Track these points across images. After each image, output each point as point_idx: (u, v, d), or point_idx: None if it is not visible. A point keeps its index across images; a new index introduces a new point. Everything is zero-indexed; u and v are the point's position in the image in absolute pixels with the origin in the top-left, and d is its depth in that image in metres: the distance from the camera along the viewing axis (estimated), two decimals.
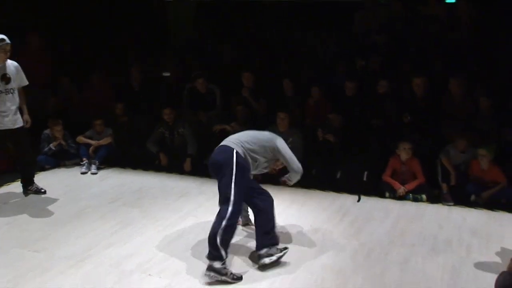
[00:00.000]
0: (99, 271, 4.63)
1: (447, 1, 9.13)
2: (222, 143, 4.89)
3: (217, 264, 4.37)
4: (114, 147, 8.20)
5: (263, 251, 4.66)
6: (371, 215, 6.11)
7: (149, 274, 4.57)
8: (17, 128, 6.40)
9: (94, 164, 7.84)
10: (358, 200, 6.60)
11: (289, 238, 5.36)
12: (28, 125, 6.54)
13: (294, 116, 7.80)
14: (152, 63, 9.83)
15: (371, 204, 6.49)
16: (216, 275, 4.35)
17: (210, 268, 4.38)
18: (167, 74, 9.50)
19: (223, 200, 4.55)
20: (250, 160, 4.77)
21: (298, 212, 6.19)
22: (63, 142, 7.97)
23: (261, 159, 4.86)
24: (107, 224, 5.73)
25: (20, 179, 6.84)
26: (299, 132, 7.44)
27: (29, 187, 6.77)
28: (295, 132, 7.39)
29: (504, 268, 3.59)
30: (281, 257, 4.71)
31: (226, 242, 4.41)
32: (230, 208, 4.44)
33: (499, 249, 5.13)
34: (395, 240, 5.38)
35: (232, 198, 4.48)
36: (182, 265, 4.75)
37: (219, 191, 4.65)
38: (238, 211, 4.53)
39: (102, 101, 8.82)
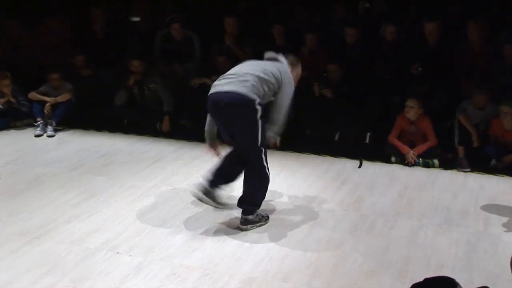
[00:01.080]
0: (59, 249, 4.62)
1: None
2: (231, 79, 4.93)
3: (251, 217, 4.96)
4: (74, 104, 8.13)
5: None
6: (374, 182, 6.16)
7: (118, 252, 4.58)
8: None
9: (51, 124, 7.80)
10: (360, 166, 6.64)
11: (279, 210, 5.40)
12: None
13: None
14: (119, 5, 9.68)
15: (374, 170, 6.54)
16: (252, 226, 4.98)
17: (245, 223, 4.96)
18: (136, 18, 9.36)
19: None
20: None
21: (289, 180, 6.22)
22: (12, 99, 7.91)
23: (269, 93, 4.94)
24: (68, 194, 5.73)
25: None
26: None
27: None
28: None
29: None
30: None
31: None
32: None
33: None
34: (402, 211, 5.44)
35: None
36: (155, 241, 4.77)
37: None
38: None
39: (59, 49, 8.70)
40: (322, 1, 9.32)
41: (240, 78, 4.83)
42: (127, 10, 9.62)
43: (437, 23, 7.36)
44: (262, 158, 4.88)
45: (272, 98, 4.94)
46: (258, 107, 4.72)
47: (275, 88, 4.88)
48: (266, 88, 4.80)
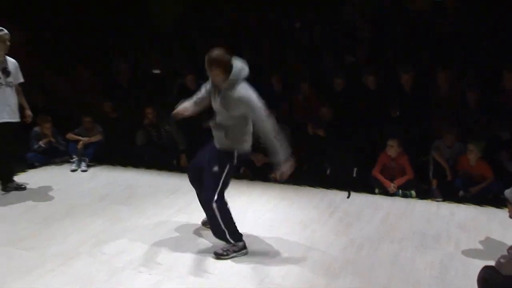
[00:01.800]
0: (90, 269, 4.61)
1: None
2: None
3: (220, 251, 4.81)
4: (104, 144, 8.16)
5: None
6: (361, 211, 6.13)
7: (140, 271, 4.56)
8: (14, 122, 6.49)
9: (84, 161, 7.82)
10: (348, 196, 6.62)
11: (279, 235, 5.37)
12: (30, 120, 6.80)
13: (282, 111, 7.80)
14: (138, 56, 9.78)
15: (361, 200, 6.51)
16: (224, 257, 4.78)
17: (216, 256, 4.79)
18: (157, 71, 9.45)
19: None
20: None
21: (288, 209, 6.20)
22: (52, 139, 7.93)
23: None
24: (97, 221, 5.72)
25: None
26: (286, 128, 7.41)
27: (9, 184, 6.73)
28: (282, 128, 7.35)
29: (492, 263, 3.62)
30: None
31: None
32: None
33: (487, 244, 5.17)
34: (385, 236, 5.40)
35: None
36: (173, 262, 4.75)
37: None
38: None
39: (89, 94, 8.78)
40: (313, 52, 9.39)
41: None
42: (146, 60, 9.69)
43: (411, 74, 7.42)
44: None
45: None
46: None
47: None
48: None
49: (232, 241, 4.84)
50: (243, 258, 4.81)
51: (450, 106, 7.27)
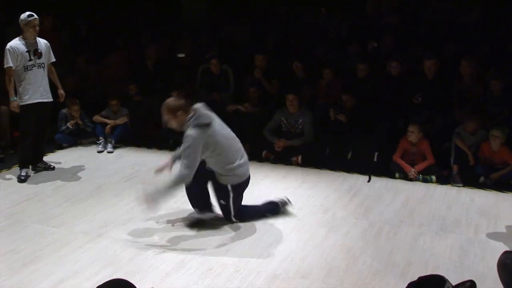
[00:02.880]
0: (115, 247, 4.70)
1: None
2: None
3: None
4: (129, 126, 8.24)
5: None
6: (381, 195, 6.12)
7: (164, 251, 4.64)
8: (46, 102, 6.60)
9: (110, 143, 7.90)
10: (369, 181, 6.61)
11: (299, 218, 5.40)
12: (62, 99, 6.91)
13: (305, 97, 7.79)
14: (166, 44, 9.83)
15: (381, 184, 6.49)
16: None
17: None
18: (181, 55, 9.48)
19: None
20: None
21: (309, 192, 6.20)
22: (80, 122, 8.04)
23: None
24: (123, 201, 5.81)
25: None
26: (310, 113, 7.42)
27: (39, 164, 6.86)
28: (305, 113, 7.38)
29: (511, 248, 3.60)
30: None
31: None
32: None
33: (507, 230, 5.14)
34: (404, 220, 5.40)
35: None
36: (196, 241, 4.82)
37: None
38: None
39: (118, 81, 8.86)
40: (338, 40, 9.36)
41: None
42: (174, 47, 9.75)
43: (434, 61, 7.33)
44: None
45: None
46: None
47: None
48: None
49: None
50: (264, 240, 4.86)
51: (473, 94, 7.17)
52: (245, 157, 5.09)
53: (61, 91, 6.80)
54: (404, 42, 8.59)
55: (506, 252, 3.63)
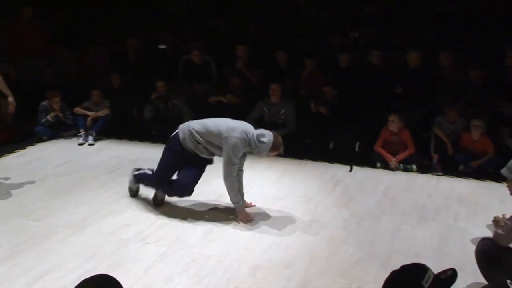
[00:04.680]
0: (97, 240, 4.67)
1: None
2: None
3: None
4: (111, 118, 8.18)
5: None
6: (363, 185, 6.16)
7: (146, 243, 4.62)
8: None
9: (91, 135, 7.84)
10: (350, 170, 6.65)
11: (282, 208, 5.41)
12: (12, 109, 6.06)
13: (287, 88, 7.79)
14: (148, 35, 9.74)
15: (363, 174, 6.54)
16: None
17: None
18: (163, 46, 9.42)
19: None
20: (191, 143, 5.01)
21: (291, 182, 6.23)
22: (60, 114, 7.96)
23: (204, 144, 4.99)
24: (105, 194, 5.77)
25: None
26: (291, 103, 7.44)
27: None
28: (287, 103, 7.40)
29: (490, 235, 3.66)
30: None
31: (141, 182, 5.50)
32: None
33: (485, 217, 5.18)
34: (386, 209, 5.45)
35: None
36: (178, 233, 4.81)
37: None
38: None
39: (100, 72, 8.78)
40: (320, 30, 9.34)
41: None
42: (156, 39, 9.67)
43: (416, 51, 7.38)
44: None
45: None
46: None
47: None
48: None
49: None
50: (247, 229, 4.87)
51: (453, 83, 7.23)
52: None
53: (10, 99, 6.00)
54: (385, 32, 8.62)
55: (483, 239, 3.69)
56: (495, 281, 3.62)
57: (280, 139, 4.92)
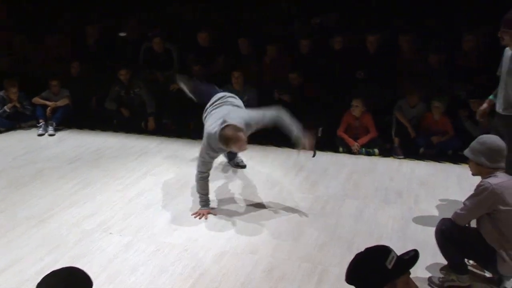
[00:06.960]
0: (61, 231, 4.62)
1: None
2: None
3: None
4: (71, 108, 8.03)
5: None
6: (326, 169, 6.23)
7: (110, 233, 4.59)
8: None
9: (51, 125, 7.68)
10: (313, 155, 6.68)
11: (246, 194, 5.44)
12: None
13: (251, 74, 7.77)
14: (110, 22, 9.57)
15: (326, 159, 6.60)
16: None
17: None
18: (123, 34, 9.26)
19: None
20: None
21: (255, 168, 6.25)
22: (18, 104, 7.77)
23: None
24: (67, 184, 5.69)
25: None
26: (254, 90, 7.44)
27: None
28: (250, 90, 7.39)
29: (449, 216, 3.75)
30: None
31: None
32: None
33: (444, 198, 5.34)
34: (349, 193, 5.53)
35: None
36: (142, 223, 4.78)
37: None
38: None
39: (59, 61, 8.60)
40: (283, 16, 9.31)
41: None
42: (117, 27, 9.50)
43: (376, 36, 7.46)
44: None
45: None
46: None
47: None
48: None
49: None
50: (211, 218, 4.87)
51: (413, 68, 7.35)
52: None
53: None
54: (347, 17, 8.67)
55: (442, 219, 3.79)
56: (454, 261, 3.73)
57: (227, 131, 4.51)
